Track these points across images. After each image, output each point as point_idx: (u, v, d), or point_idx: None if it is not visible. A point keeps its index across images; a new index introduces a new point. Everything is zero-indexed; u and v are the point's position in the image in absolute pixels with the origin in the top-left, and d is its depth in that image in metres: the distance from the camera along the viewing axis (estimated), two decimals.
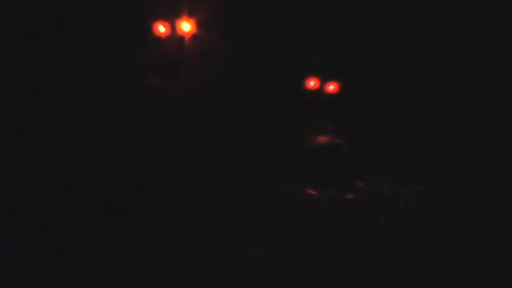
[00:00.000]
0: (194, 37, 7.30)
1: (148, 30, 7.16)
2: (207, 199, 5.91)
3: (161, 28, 7.11)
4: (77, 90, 6.88)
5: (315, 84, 7.70)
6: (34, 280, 3.68)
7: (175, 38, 7.22)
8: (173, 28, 7.17)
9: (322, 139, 7.25)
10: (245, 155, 7.23)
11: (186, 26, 7.18)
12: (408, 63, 7.84)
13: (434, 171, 7.13)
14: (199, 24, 7.26)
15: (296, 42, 7.90)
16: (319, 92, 7.77)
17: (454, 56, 7.74)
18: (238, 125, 7.51)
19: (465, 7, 7.48)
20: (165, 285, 3.63)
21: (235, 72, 7.56)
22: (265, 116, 7.64)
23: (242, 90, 7.60)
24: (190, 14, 7.22)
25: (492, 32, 7.56)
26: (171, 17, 7.16)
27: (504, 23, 7.45)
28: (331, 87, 7.73)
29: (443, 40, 7.79)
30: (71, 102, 6.85)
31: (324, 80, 7.74)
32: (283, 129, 7.71)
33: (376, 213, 5.34)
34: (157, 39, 7.21)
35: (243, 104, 7.59)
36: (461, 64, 7.67)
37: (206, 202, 5.80)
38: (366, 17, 7.80)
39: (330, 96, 7.80)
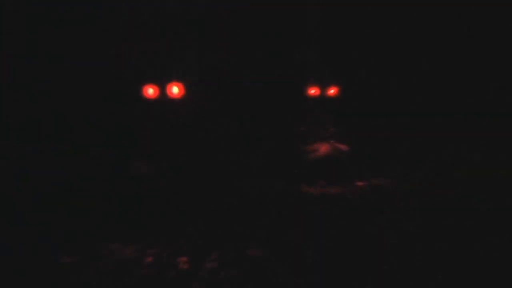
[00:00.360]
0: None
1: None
2: (207, 199, 5.91)
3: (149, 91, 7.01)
4: (77, 90, 6.88)
5: (315, 92, 7.89)
6: (34, 280, 3.68)
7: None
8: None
9: (324, 147, 7.27)
10: (245, 155, 7.24)
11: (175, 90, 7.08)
12: (408, 63, 7.85)
13: (434, 171, 7.13)
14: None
15: (297, 47, 7.99)
16: (320, 98, 7.93)
17: (454, 56, 7.74)
18: (238, 125, 7.51)
19: (465, 7, 7.48)
20: (165, 285, 3.64)
21: (235, 74, 7.58)
22: (265, 117, 7.65)
23: (243, 92, 7.62)
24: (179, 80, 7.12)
25: (492, 32, 7.56)
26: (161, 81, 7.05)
27: (504, 23, 7.45)
28: (332, 91, 7.91)
29: (443, 40, 7.80)
30: (71, 102, 6.85)
31: (324, 86, 7.90)
32: (284, 130, 7.73)
33: (376, 213, 5.34)
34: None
35: (244, 105, 7.60)
36: (461, 64, 7.68)
37: (206, 202, 5.80)
38: (365, 18, 7.81)
39: (331, 99, 7.95)
